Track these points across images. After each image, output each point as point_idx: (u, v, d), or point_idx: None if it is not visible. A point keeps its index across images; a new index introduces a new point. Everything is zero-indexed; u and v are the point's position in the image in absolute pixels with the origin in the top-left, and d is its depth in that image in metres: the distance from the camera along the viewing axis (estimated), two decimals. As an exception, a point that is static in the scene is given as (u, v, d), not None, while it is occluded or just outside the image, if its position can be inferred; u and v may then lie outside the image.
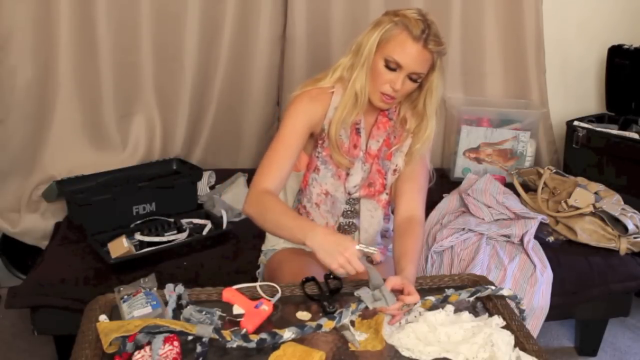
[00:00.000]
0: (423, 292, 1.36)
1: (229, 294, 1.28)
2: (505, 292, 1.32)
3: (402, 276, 1.30)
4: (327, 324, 1.18)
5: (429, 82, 1.48)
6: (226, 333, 1.13)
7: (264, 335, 1.14)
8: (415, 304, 1.26)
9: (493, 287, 1.33)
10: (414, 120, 1.56)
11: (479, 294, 1.32)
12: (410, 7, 1.46)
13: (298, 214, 1.47)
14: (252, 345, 1.13)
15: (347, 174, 1.57)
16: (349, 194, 1.59)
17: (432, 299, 1.29)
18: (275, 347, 1.14)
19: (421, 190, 1.59)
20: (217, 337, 1.12)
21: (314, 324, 1.18)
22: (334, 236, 1.30)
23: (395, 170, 1.59)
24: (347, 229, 1.64)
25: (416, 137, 1.56)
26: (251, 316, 1.21)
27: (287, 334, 1.15)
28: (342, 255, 1.25)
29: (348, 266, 1.25)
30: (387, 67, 1.42)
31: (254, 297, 1.30)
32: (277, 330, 1.15)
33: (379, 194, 1.60)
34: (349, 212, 1.63)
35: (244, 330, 1.16)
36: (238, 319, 1.22)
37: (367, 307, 1.23)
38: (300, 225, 1.35)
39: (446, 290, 1.32)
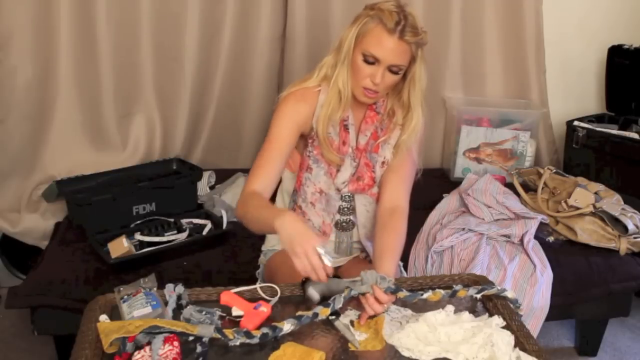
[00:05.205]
0: (423, 292, 1.36)
1: (227, 297, 1.28)
2: (509, 294, 1.33)
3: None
4: (322, 312, 1.21)
5: (411, 73, 1.49)
6: (228, 331, 1.14)
7: (265, 330, 1.15)
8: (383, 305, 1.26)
9: (498, 288, 1.34)
10: (401, 112, 1.56)
11: (485, 292, 1.32)
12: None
13: (275, 207, 1.43)
14: (255, 340, 1.14)
15: (338, 171, 1.57)
16: (338, 190, 1.59)
17: (441, 292, 1.30)
18: (276, 346, 1.15)
19: (406, 181, 1.59)
20: (219, 336, 1.12)
21: (310, 313, 1.20)
22: (302, 225, 1.28)
23: (383, 163, 1.59)
24: (344, 226, 1.64)
25: (404, 129, 1.56)
26: (250, 317, 1.22)
27: (287, 326, 1.17)
28: (301, 246, 1.23)
29: (304, 258, 1.22)
30: (366, 61, 1.42)
31: (253, 298, 1.30)
32: (276, 324, 1.17)
33: (369, 187, 1.60)
34: (345, 209, 1.63)
35: (245, 328, 1.16)
36: (238, 319, 1.22)
37: (360, 294, 1.25)
38: (273, 212, 1.34)
39: (454, 286, 1.32)
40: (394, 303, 1.31)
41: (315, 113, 1.53)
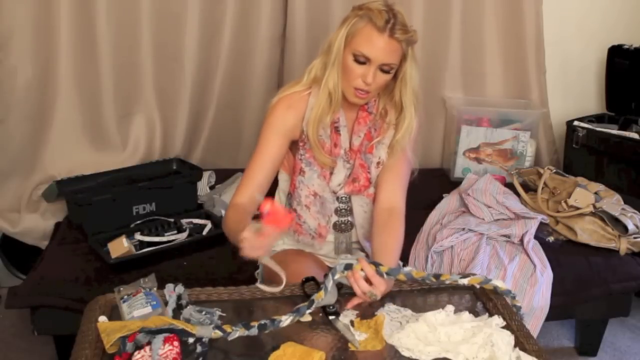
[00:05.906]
0: (423, 292, 1.36)
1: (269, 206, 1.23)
2: (498, 284, 1.32)
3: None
4: (318, 296, 1.22)
5: (402, 72, 1.48)
6: (226, 326, 1.14)
7: (263, 321, 1.15)
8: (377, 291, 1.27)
9: (486, 277, 1.33)
10: (394, 112, 1.55)
11: (470, 278, 1.32)
12: None
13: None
14: (254, 332, 1.14)
15: (331, 174, 1.57)
16: (334, 192, 1.59)
17: (424, 273, 1.32)
18: (276, 347, 1.14)
19: (401, 181, 1.59)
20: (219, 333, 1.12)
21: (307, 303, 1.21)
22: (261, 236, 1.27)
23: (378, 163, 1.58)
24: (343, 227, 1.64)
25: (397, 129, 1.55)
26: (274, 215, 1.20)
27: (285, 317, 1.18)
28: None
29: (245, 236, 1.23)
30: (357, 61, 1.42)
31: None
32: (275, 317, 1.17)
33: (366, 188, 1.60)
34: (343, 211, 1.62)
35: (243, 322, 1.16)
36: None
37: (348, 268, 1.27)
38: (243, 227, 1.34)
39: (441, 276, 1.33)
40: (394, 303, 1.31)
41: (305, 116, 1.52)
